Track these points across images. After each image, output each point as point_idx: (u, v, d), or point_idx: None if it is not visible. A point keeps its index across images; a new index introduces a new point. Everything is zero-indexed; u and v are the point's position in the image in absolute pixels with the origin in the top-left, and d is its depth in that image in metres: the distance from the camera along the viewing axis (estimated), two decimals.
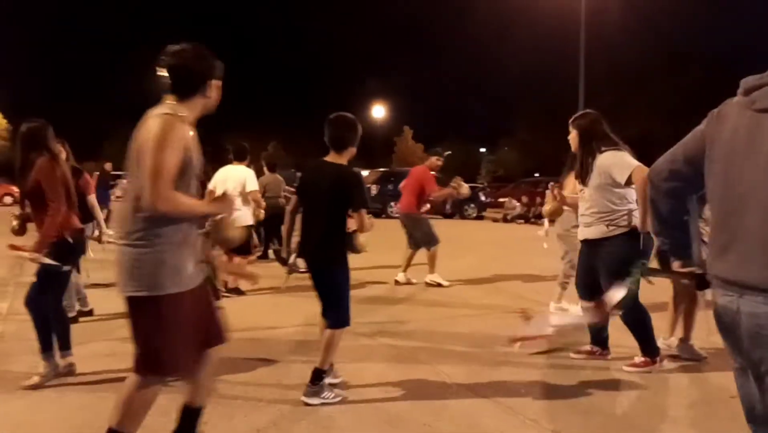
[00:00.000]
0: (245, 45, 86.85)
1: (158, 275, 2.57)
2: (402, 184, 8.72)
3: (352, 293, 4.01)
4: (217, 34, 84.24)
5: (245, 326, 5.56)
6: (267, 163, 10.65)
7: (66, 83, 71.60)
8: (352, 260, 3.95)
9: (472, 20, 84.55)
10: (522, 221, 22.41)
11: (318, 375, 3.81)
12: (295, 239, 4.08)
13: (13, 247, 4.19)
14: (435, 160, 8.49)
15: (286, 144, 59.80)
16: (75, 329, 4.49)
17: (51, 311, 4.12)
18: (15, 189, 31.02)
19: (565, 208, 5.72)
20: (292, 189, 21.33)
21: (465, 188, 8.52)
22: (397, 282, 8.25)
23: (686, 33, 56.51)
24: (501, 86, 56.47)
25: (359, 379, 4.23)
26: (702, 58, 43.54)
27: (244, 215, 6.80)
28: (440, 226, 9.11)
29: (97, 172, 15.40)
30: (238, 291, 7.29)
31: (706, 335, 4.65)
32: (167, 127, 2.54)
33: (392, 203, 24.06)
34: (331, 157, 3.99)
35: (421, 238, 8.25)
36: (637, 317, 4.49)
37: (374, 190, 23.76)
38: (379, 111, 56.57)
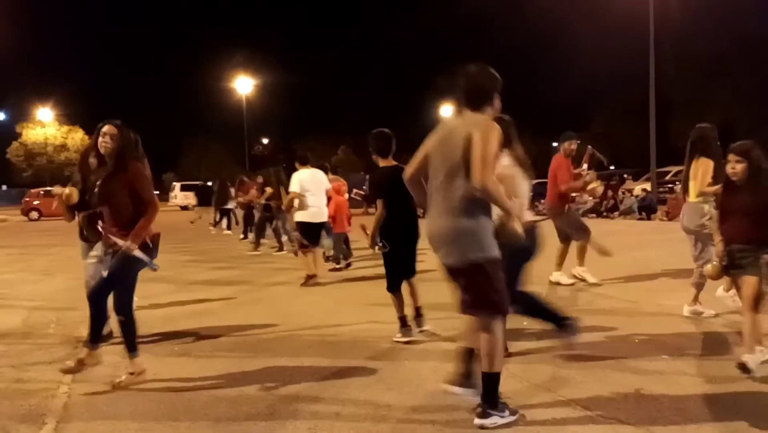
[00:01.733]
0: (312, 47, 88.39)
1: (490, 243, 3.37)
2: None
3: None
4: (281, 36, 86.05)
5: (313, 324, 5.77)
6: (332, 167, 11.24)
7: (142, 98, 74.57)
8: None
9: (540, 14, 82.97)
10: (594, 215, 21.85)
11: None
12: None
13: (106, 230, 4.22)
14: (567, 146, 7.51)
15: (356, 148, 60.36)
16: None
17: (122, 312, 4.24)
18: None
19: (694, 200, 5.70)
20: (362, 192, 21.50)
21: (596, 185, 7.35)
22: (551, 282, 7.65)
23: (761, 14, 53.47)
24: (573, 80, 55.11)
25: (416, 376, 4.35)
26: None
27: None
28: None
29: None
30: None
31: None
32: (488, 128, 3.30)
33: None
34: (385, 162, 5.33)
35: (572, 231, 7.56)
36: (528, 305, 4.56)
37: None
38: (447, 111, 56.42)
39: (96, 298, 4.23)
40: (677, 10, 31.68)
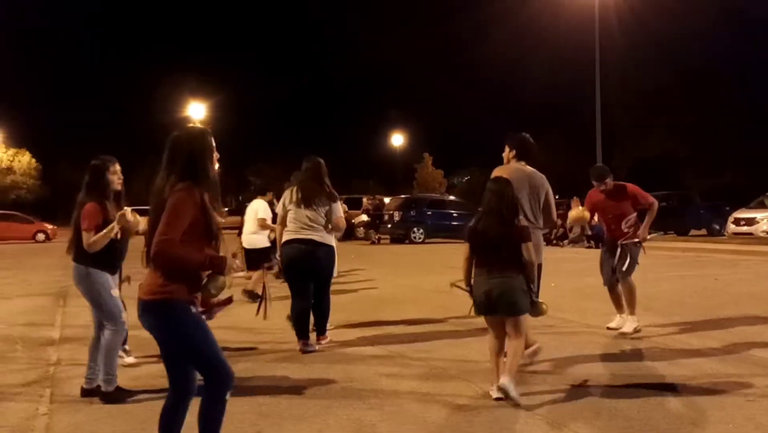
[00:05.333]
0: (265, 75, 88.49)
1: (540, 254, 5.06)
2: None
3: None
4: (238, 61, 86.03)
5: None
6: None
7: (90, 122, 72.40)
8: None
9: (488, 49, 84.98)
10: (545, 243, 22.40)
11: None
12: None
13: None
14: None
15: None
16: None
17: None
18: (48, 226, 31.21)
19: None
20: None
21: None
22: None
23: (701, 52, 56.25)
24: (519, 111, 56.52)
25: (396, 391, 4.53)
26: (718, 76, 43.70)
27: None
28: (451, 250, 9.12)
29: None
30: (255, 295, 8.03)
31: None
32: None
33: (415, 228, 24.08)
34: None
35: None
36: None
37: (397, 216, 23.86)
38: (398, 139, 57.19)
39: None
40: (621, 44, 33.21)
